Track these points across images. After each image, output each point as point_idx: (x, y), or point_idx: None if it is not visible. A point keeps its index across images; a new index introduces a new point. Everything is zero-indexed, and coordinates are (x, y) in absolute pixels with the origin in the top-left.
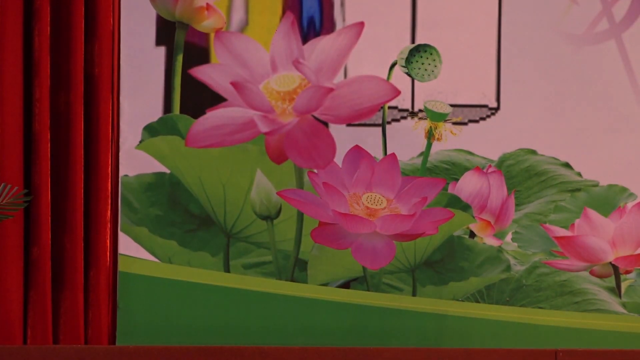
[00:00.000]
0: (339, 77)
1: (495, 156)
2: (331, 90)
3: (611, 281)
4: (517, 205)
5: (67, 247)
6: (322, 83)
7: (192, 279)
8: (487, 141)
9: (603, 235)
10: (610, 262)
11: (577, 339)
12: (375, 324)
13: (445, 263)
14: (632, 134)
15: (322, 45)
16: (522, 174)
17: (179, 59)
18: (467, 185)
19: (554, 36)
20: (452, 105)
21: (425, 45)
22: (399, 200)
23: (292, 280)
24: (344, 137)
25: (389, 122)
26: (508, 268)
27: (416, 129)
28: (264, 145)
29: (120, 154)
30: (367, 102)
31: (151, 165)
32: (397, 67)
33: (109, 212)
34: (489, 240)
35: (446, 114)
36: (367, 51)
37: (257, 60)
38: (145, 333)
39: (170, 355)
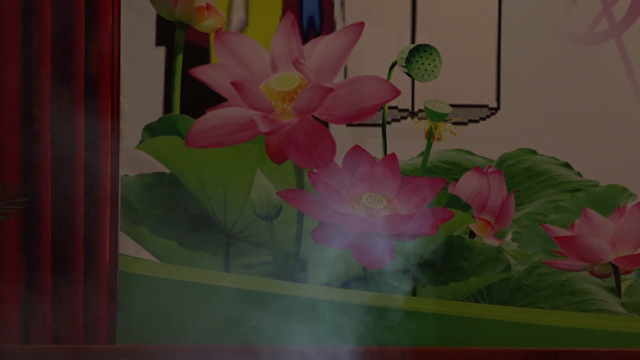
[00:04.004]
0: (339, 77)
1: (495, 156)
2: (331, 90)
3: (611, 281)
4: (517, 205)
5: (67, 247)
6: (322, 83)
7: (192, 279)
8: (487, 141)
9: (603, 235)
10: (610, 262)
11: (577, 339)
12: (376, 324)
13: (445, 263)
14: (632, 134)
15: (322, 45)
16: (522, 174)
17: (179, 59)
18: (467, 185)
19: (554, 36)
20: (452, 105)
21: (425, 45)
22: (399, 200)
23: (292, 280)
24: (344, 137)
25: (389, 122)
26: (508, 268)
27: (416, 129)
28: (264, 145)
29: (120, 154)
30: (367, 102)
31: (151, 165)
32: (397, 67)
33: (109, 212)
34: (489, 240)
35: (446, 114)
36: (367, 51)
37: (257, 60)
38: (145, 333)
39: (170, 355)
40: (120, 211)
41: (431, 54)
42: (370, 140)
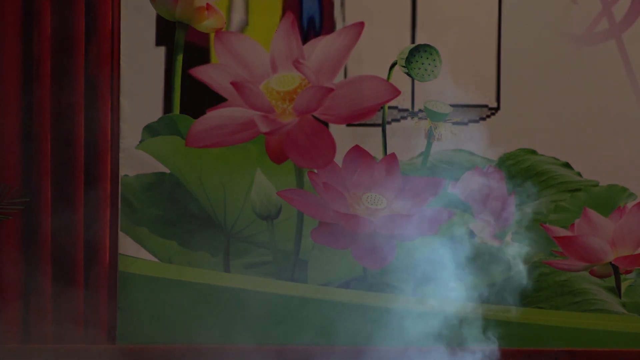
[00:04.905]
0: (339, 77)
1: (495, 156)
2: (331, 90)
3: (611, 281)
4: (517, 205)
5: (67, 247)
6: (322, 83)
7: (192, 279)
8: (487, 141)
9: (603, 235)
10: (610, 262)
11: (577, 339)
12: (375, 324)
13: (446, 263)
14: (632, 134)
15: (322, 45)
16: (522, 174)
17: (179, 59)
18: (467, 185)
19: (554, 36)
20: (452, 105)
21: (425, 45)
22: (399, 200)
23: (292, 280)
24: (344, 137)
25: (389, 122)
26: (508, 268)
27: (416, 129)
28: (264, 145)
29: (120, 154)
30: (367, 102)
31: (151, 165)
32: (397, 67)
33: (109, 212)
34: (489, 240)
35: (446, 114)
36: (367, 51)
37: (257, 60)
38: (145, 333)
39: (170, 355)
40: (120, 211)
41: (431, 54)
42: (370, 140)
